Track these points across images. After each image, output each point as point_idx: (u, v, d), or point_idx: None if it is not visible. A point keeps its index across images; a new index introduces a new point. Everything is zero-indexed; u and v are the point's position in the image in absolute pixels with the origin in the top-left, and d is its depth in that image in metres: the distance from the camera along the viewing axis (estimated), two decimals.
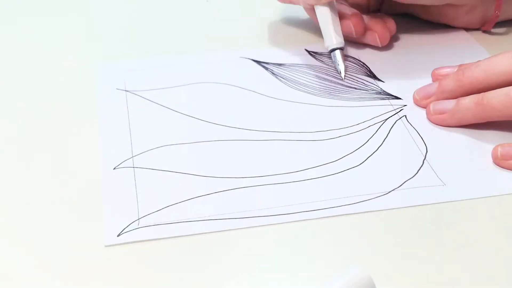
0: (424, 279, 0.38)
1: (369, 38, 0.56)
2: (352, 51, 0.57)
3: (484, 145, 0.47)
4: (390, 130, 0.48)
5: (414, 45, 0.57)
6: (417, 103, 0.50)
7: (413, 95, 0.51)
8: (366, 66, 0.55)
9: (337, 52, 0.54)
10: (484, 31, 0.59)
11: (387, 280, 0.37)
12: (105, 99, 0.52)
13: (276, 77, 0.54)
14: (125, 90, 0.52)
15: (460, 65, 0.50)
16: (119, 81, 0.53)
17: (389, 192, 0.43)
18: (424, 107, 0.50)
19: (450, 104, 0.48)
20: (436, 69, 0.53)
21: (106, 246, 0.40)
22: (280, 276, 0.38)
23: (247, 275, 0.38)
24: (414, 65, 0.55)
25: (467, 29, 0.59)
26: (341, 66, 0.53)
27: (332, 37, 0.54)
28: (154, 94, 0.52)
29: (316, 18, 0.55)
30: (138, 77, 0.54)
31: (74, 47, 0.59)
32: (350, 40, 0.56)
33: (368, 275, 0.35)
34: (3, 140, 0.48)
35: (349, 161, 0.46)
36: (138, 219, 0.41)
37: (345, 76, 0.53)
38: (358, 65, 0.55)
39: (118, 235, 0.40)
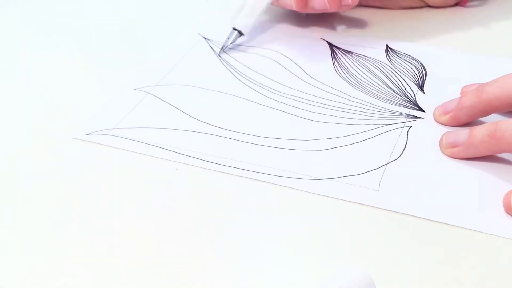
0: (424, 279, 0.39)
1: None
2: (425, 59, 0.57)
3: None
4: (384, 133, 0.49)
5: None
6: (436, 119, 0.50)
7: (434, 111, 0.50)
8: (424, 75, 0.55)
9: (235, 34, 0.58)
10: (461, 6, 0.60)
11: (387, 280, 0.38)
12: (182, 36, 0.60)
13: (333, 61, 0.56)
14: (204, 37, 0.60)
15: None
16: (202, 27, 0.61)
17: (322, 179, 0.45)
18: (442, 123, 0.49)
19: (463, 136, 0.46)
20: (465, 86, 0.51)
21: (73, 138, 0.49)
22: (278, 277, 0.39)
23: (240, 274, 0.40)
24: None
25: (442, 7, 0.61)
26: (224, 43, 0.57)
27: (241, 16, 0.57)
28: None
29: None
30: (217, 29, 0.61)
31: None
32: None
33: (368, 275, 0.35)
34: None
35: (321, 143, 0.48)
36: (113, 128, 0.49)
37: (219, 53, 0.57)
38: (417, 70, 0.55)
39: (87, 134, 0.49)
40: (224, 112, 0.51)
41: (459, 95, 0.51)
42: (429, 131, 0.49)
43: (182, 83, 0.54)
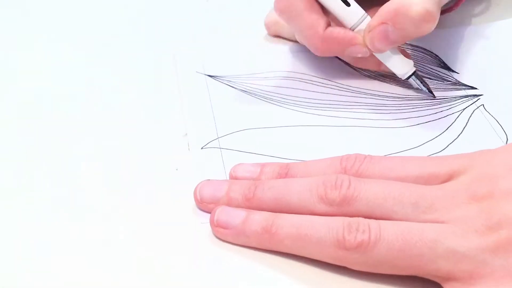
0: (424, 279, 0.37)
1: None
2: (424, 43, 0.57)
3: None
4: (468, 119, 0.49)
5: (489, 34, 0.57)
6: (200, 205, 0.41)
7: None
8: (439, 58, 0.56)
9: (413, 78, 0.50)
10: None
11: (387, 280, 0.37)
12: (186, 83, 0.53)
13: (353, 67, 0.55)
14: (205, 74, 0.54)
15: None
16: (198, 65, 0.55)
17: None
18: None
19: (238, 217, 0.39)
20: (236, 165, 0.44)
21: None
22: (278, 276, 0.39)
23: (240, 274, 0.39)
24: (490, 55, 0.55)
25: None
26: (424, 87, 0.50)
27: (399, 66, 0.50)
28: (235, 79, 0.53)
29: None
30: (216, 61, 0.55)
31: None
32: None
33: None
34: None
35: (430, 148, 0.46)
36: None
37: (435, 95, 0.51)
38: (431, 57, 0.56)
39: None
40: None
41: (491, 63, 0.53)
42: (501, 102, 0.50)
43: None
